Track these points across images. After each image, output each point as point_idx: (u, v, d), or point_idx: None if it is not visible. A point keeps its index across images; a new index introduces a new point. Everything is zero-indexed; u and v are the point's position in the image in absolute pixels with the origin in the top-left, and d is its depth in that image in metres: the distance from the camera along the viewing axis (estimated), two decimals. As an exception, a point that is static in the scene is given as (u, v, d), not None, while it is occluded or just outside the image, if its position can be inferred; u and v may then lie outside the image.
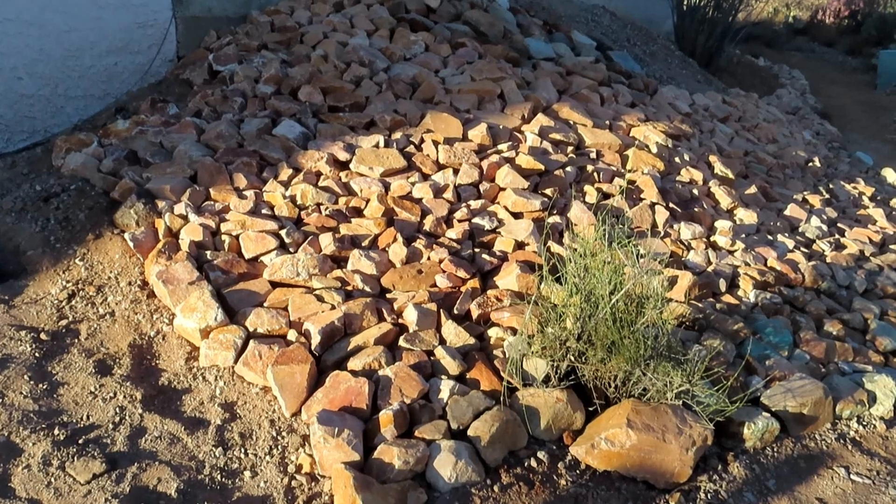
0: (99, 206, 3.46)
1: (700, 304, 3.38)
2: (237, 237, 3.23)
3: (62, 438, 2.40)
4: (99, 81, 4.72)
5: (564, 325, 2.69)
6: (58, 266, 3.16)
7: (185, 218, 3.29)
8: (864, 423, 2.96)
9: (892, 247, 4.76)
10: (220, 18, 5.36)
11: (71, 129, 4.44)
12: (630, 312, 2.61)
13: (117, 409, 2.55)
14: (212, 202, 3.45)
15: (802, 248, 4.31)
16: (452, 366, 2.70)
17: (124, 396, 2.60)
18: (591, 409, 2.66)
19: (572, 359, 2.62)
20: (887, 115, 9.70)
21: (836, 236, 4.73)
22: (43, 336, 2.82)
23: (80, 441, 2.40)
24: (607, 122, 4.83)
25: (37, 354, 2.72)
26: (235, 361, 2.71)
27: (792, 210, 4.89)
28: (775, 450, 2.74)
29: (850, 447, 2.82)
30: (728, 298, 3.53)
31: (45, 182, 3.67)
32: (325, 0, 5.64)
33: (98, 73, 4.71)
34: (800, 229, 4.71)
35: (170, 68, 5.00)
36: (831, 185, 5.91)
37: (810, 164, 6.32)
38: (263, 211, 3.40)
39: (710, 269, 3.70)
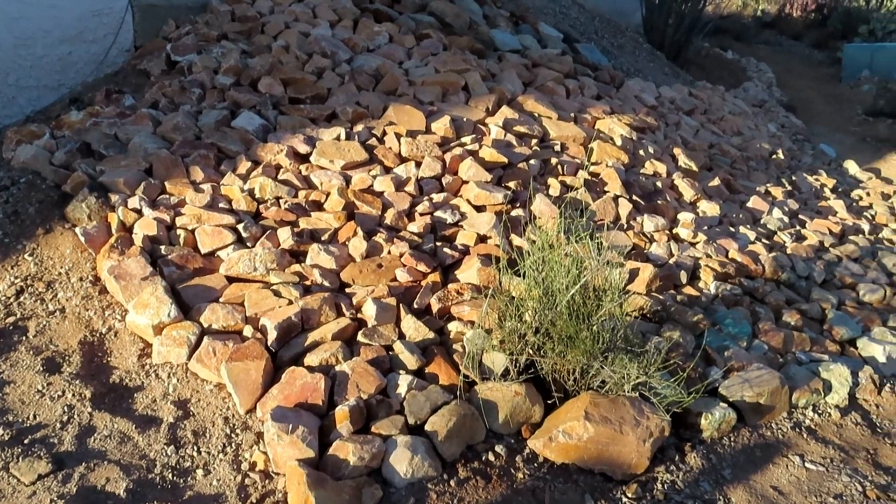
0: (50, 199, 3.37)
1: (661, 296, 3.40)
2: (193, 231, 3.17)
3: (7, 439, 2.33)
4: (52, 71, 4.59)
5: (523, 319, 2.68)
6: (6, 262, 3.07)
7: (139, 212, 3.22)
8: (820, 412, 3.00)
9: (851, 238, 4.84)
10: (179, 7, 5.24)
11: (23, 121, 4.31)
12: (588, 306, 2.61)
13: (65, 408, 2.48)
14: (167, 196, 3.37)
15: (764, 240, 4.36)
16: (411, 360, 2.68)
17: (73, 395, 2.53)
18: (549, 402, 2.66)
19: (531, 352, 2.61)
20: (851, 108, 9.85)
21: (797, 228, 4.79)
22: (-12, 334, 2.73)
23: (26, 441, 2.34)
24: (572, 115, 4.82)
25: (-19, 353, 2.64)
26: (189, 358, 2.66)
27: (754, 202, 4.94)
28: (732, 440, 2.76)
29: (805, 436, 2.85)
30: (689, 290, 3.55)
31: (-6, 175, 3.56)
32: (288, -11, 5.54)
33: (51, 62, 4.57)
34: (762, 221, 4.77)
35: (126, 58, 4.87)
36: (794, 177, 5.98)
37: (774, 156, 6.40)
38: (221, 205, 3.33)
39: (671, 261, 3.72)
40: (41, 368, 2.62)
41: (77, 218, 3.24)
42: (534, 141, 4.36)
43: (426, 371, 2.68)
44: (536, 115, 4.64)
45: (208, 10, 5.29)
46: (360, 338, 2.76)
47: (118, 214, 3.18)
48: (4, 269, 3.04)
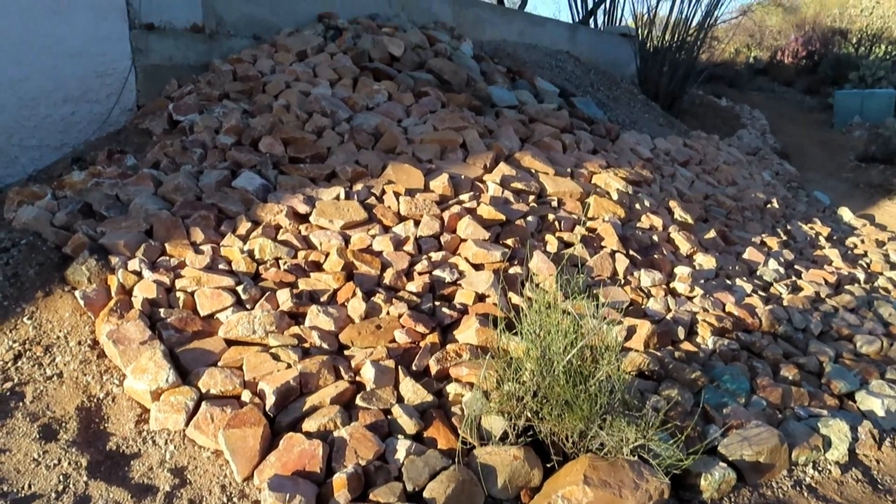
0: (50, 261, 3.40)
1: (659, 353, 3.40)
2: (192, 294, 3.18)
3: (1, 511, 2.31)
4: (55, 131, 4.67)
5: (522, 381, 2.68)
6: (4, 325, 3.08)
7: (138, 274, 3.24)
8: (820, 469, 2.97)
9: (847, 287, 4.86)
10: (182, 67, 5.36)
11: (25, 181, 4.38)
12: (586, 367, 2.61)
13: (61, 477, 2.46)
14: (167, 257, 3.40)
15: (760, 292, 4.38)
16: (409, 425, 2.67)
17: (69, 463, 2.51)
18: (549, 465, 2.64)
19: (529, 415, 2.61)
20: (843, 154, 9.98)
21: (793, 278, 4.81)
22: (-14, 400, 2.73)
23: (21, 513, 2.32)
24: (569, 170, 4.89)
25: (-22, 420, 2.63)
26: (187, 424, 2.65)
27: (750, 253, 4.98)
28: (733, 500, 2.73)
29: (805, 494, 2.82)
30: (687, 346, 3.56)
31: (-5, 236, 3.59)
32: (289, 49, 5.68)
33: (54, 122, 4.67)
34: (758, 272, 4.79)
35: (129, 117, 4.97)
36: (789, 226, 6.04)
37: (769, 205, 6.46)
38: (220, 266, 3.36)
39: (669, 316, 3.73)
40: (37, 436, 2.61)
41: (77, 280, 3.26)
42: (531, 197, 4.41)
43: (425, 435, 2.67)
44: (533, 171, 4.71)
45: (210, 70, 5.41)
46: (358, 401, 2.76)
47: (118, 277, 3.20)
48: (3, 333, 3.05)
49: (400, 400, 2.80)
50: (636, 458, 2.59)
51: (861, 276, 5.13)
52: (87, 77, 4.81)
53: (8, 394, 2.79)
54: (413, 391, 2.81)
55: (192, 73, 5.41)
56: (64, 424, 2.69)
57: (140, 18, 5.13)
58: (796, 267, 5.05)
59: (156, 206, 3.71)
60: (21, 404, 2.75)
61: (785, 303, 4.31)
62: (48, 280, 3.30)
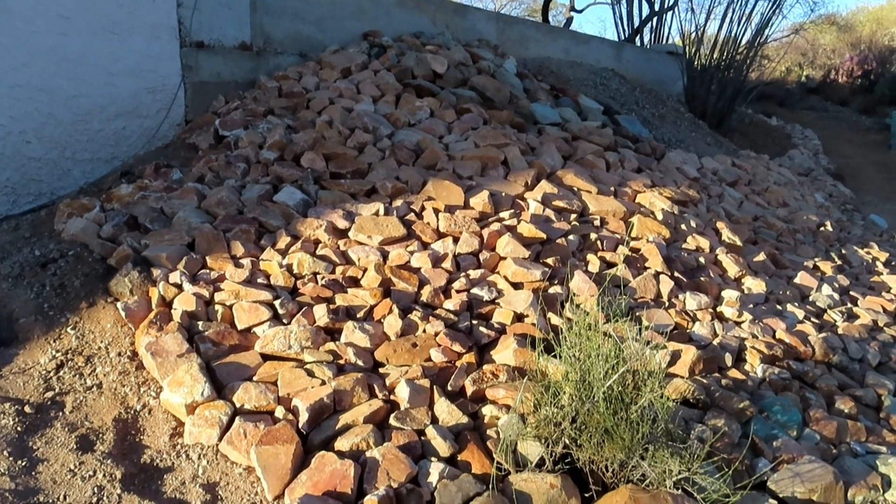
0: (95, 272, 3.45)
1: (705, 381, 3.27)
2: (231, 307, 3.19)
3: (36, 521, 2.32)
4: (107, 145, 4.79)
5: (560, 405, 2.59)
6: (49, 335, 3.13)
7: (179, 287, 3.27)
8: (879, 511, 2.81)
9: (907, 317, 4.63)
10: (229, 83, 5.45)
11: (76, 192, 4.49)
12: (627, 394, 2.52)
13: (95, 489, 2.47)
14: (207, 271, 3.43)
15: (813, 319, 4.20)
16: (443, 447, 2.60)
17: (104, 475, 2.52)
18: (587, 494, 2.54)
19: (567, 442, 2.52)
20: (901, 176, 9.63)
21: (849, 305, 4.61)
22: (27, 409, 2.76)
23: (55, 523, 2.32)
24: (612, 189, 4.80)
25: (19, 428, 2.66)
26: (220, 439, 2.64)
27: (802, 278, 4.79)
28: (784, 540, 2.59)
29: (864, 538, 2.66)
30: (734, 373, 3.42)
31: (45, 247, 3.68)
32: (333, 66, 5.74)
33: (106, 136, 4.78)
34: (810, 298, 4.61)
35: (177, 132, 5.07)
36: (844, 251, 5.80)
37: (822, 228, 6.24)
38: (259, 280, 3.36)
39: (715, 341, 3.59)
40: (75, 446, 2.63)
41: (119, 292, 3.30)
42: (573, 216, 4.33)
43: (459, 458, 2.60)
44: (576, 189, 4.63)
45: (257, 86, 5.49)
46: (392, 421, 2.71)
47: (159, 289, 3.23)
48: (47, 343, 3.10)
49: (434, 421, 2.74)
50: (680, 491, 2.48)
51: (922, 304, 4.89)
52: (138, 93, 4.92)
53: (49, 403, 2.83)
54: (448, 412, 2.75)
55: (238, 89, 5.51)
56: (101, 436, 2.70)
57: (191, 37, 5.24)
58: (852, 293, 4.84)
59: (199, 219, 3.75)
60: (61, 414, 2.78)
61: (840, 331, 4.12)
62: (92, 291, 3.35)
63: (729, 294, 4.07)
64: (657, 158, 6.04)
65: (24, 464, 2.53)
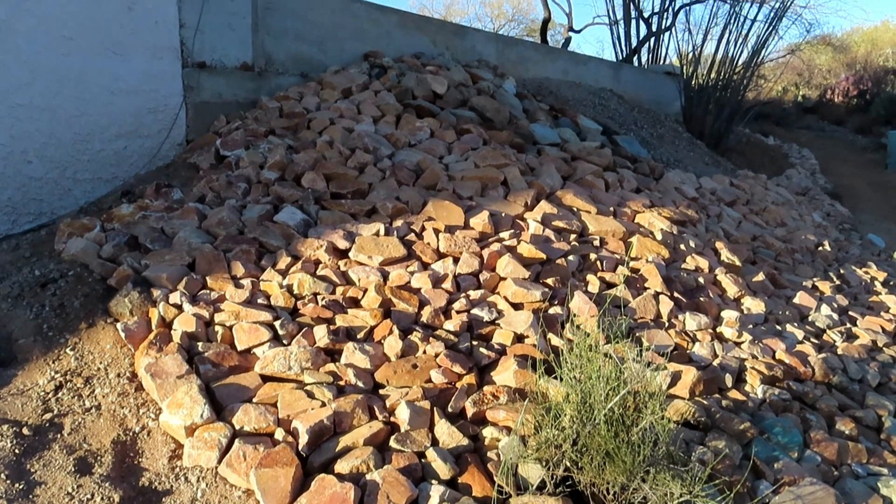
0: (95, 293, 3.45)
1: (705, 402, 3.26)
2: (231, 328, 3.19)
3: (33, 545, 2.30)
4: (108, 165, 4.80)
5: (561, 427, 2.59)
6: (48, 356, 3.12)
7: (179, 307, 3.26)
8: (882, 535, 2.79)
9: (906, 337, 4.63)
10: (231, 103, 5.48)
11: (77, 212, 4.49)
12: (628, 416, 2.51)
13: (93, 513, 2.45)
14: (208, 291, 3.42)
15: (812, 339, 4.20)
16: (444, 469, 2.59)
17: (102, 498, 2.50)
18: (588, 518, 2.53)
19: (568, 464, 2.51)
20: (899, 196, 9.67)
21: (848, 325, 4.61)
22: (25, 430, 2.75)
23: (52, 548, 2.30)
24: (612, 209, 4.82)
25: (17, 451, 2.64)
26: (219, 462, 2.62)
27: (801, 298, 4.79)
28: (787, 565, 2.57)
29: (866, 562, 2.65)
30: (734, 394, 3.41)
31: (44, 266, 3.68)
32: (334, 86, 5.77)
33: (107, 156, 4.80)
34: (810, 318, 4.61)
35: (178, 152, 5.09)
36: (842, 270, 5.81)
37: (820, 247, 6.25)
38: (259, 301, 3.36)
39: (715, 362, 3.59)
40: (73, 469, 2.61)
41: (119, 313, 3.30)
42: (572, 236, 4.34)
43: (459, 481, 2.59)
44: (575, 209, 4.65)
45: (258, 107, 5.52)
46: (392, 443, 2.70)
47: (159, 310, 3.23)
48: (46, 364, 3.09)
49: (434, 443, 2.73)
50: (681, 514, 2.47)
51: (921, 324, 4.89)
52: (140, 113, 4.95)
53: (47, 425, 2.81)
54: (448, 434, 2.74)
55: (240, 109, 5.54)
56: (99, 458, 2.69)
57: (193, 57, 5.28)
58: (851, 313, 4.84)
59: (199, 239, 3.75)
60: (59, 436, 2.77)
61: (839, 351, 4.12)
62: (92, 311, 3.35)
63: (728, 314, 4.07)
64: (656, 178, 6.06)
65: (21, 487, 2.51)
